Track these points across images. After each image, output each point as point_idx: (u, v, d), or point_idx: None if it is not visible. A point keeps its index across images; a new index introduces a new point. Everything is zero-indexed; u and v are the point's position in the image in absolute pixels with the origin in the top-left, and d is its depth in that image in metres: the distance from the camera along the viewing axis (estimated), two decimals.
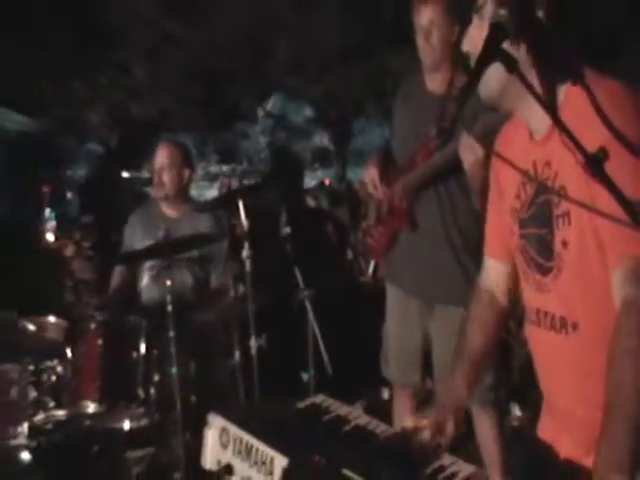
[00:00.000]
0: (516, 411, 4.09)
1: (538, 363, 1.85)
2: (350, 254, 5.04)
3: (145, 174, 9.19)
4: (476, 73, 1.52)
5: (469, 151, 2.87)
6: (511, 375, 3.21)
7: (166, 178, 3.98)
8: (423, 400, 3.44)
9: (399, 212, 3.30)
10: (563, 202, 1.62)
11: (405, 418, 1.85)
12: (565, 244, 1.64)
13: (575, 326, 1.68)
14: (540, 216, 1.71)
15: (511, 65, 1.53)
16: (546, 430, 1.87)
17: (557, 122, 1.48)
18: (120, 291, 4.05)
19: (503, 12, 1.57)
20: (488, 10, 1.64)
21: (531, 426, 1.96)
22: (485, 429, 3.24)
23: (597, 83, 1.56)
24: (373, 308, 3.81)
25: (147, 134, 11.83)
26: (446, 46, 3.11)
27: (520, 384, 1.94)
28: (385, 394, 4.37)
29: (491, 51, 1.53)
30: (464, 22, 1.70)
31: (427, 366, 3.36)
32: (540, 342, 1.81)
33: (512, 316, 1.93)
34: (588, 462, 1.66)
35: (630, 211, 1.37)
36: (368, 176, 3.39)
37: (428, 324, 3.34)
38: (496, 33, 1.54)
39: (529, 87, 1.52)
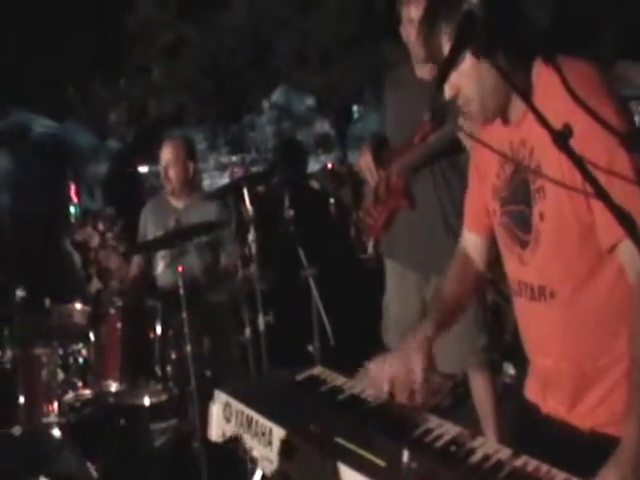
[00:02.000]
0: (509, 370, 4.09)
1: (522, 330, 1.84)
2: (353, 232, 5.01)
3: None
4: (451, 60, 1.49)
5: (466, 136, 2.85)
6: (504, 336, 3.20)
7: (172, 173, 3.99)
8: None
9: (396, 191, 3.29)
10: (538, 178, 1.60)
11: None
12: (542, 216, 1.62)
13: (552, 294, 1.66)
14: (519, 193, 1.69)
15: (483, 50, 1.49)
16: (531, 391, 1.86)
17: (528, 104, 1.45)
18: (138, 278, 4.08)
19: (474, 0, 1.52)
20: (467, 64, 1.57)
21: (522, 384, 1.94)
22: (480, 388, 3.24)
23: (567, 65, 1.52)
24: (374, 282, 3.80)
25: (163, 129, 11.83)
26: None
27: (513, 344, 1.92)
28: None
29: (464, 39, 1.48)
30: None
31: None
32: (522, 311, 1.80)
33: (504, 280, 1.91)
34: (570, 417, 1.69)
35: (594, 184, 1.33)
36: (363, 161, 3.38)
37: (425, 294, 3.32)
38: (468, 21, 1.49)
39: (502, 72, 1.49)
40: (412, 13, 3.09)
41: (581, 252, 1.59)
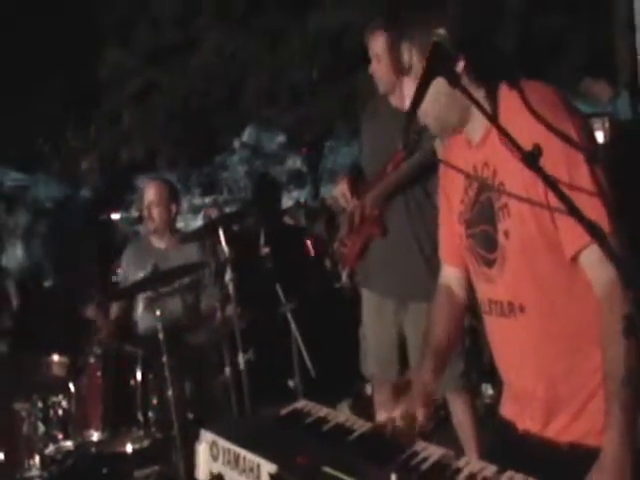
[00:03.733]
0: (488, 390, 4.11)
1: (495, 349, 1.87)
2: (328, 264, 5.06)
3: (134, 213, 9.23)
4: (421, 89, 1.54)
5: None
6: (481, 358, 3.23)
7: (155, 213, 4.03)
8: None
9: (370, 220, 3.34)
10: (503, 196, 1.65)
11: (380, 412, 1.85)
12: (507, 234, 1.66)
13: (522, 308, 1.69)
14: (483, 213, 1.73)
15: (454, 79, 1.55)
16: (507, 408, 1.88)
17: (497, 126, 1.51)
18: (121, 319, 4.08)
19: (442, 31, 1.58)
20: (417, 68, 1.66)
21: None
22: (460, 412, 3.27)
23: (529, 87, 1.61)
24: (351, 313, 3.82)
25: (135, 175, 11.86)
26: (394, 70, 3.15)
27: (490, 365, 1.95)
28: (368, 390, 4.37)
29: (434, 68, 1.55)
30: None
31: (403, 360, 3.38)
32: (494, 329, 1.83)
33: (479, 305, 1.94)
34: (547, 433, 1.71)
35: (564, 199, 1.39)
36: (339, 191, 3.44)
37: (402, 321, 3.35)
38: (437, 51, 1.55)
39: (471, 98, 1.54)
40: (375, 48, 3.22)
41: (548, 267, 1.63)
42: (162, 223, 4.04)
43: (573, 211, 1.36)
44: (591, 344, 1.60)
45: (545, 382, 1.71)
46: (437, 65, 1.55)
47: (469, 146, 1.76)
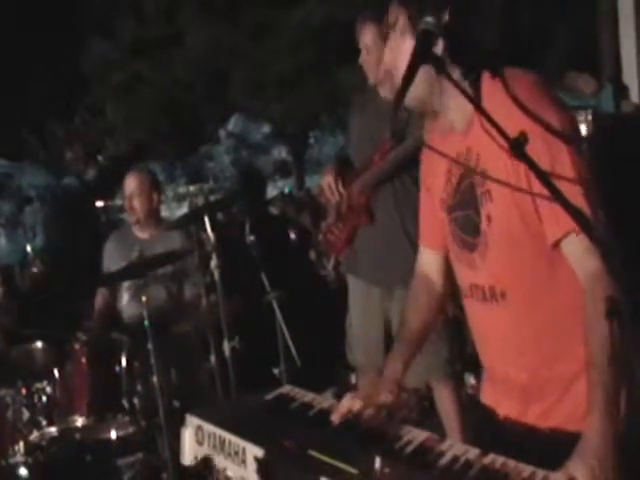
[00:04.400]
0: (471, 380, 4.14)
1: (475, 334, 1.88)
2: (313, 254, 5.07)
3: (119, 202, 9.21)
4: (408, 77, 1.54)
5: None
6: (465, 348, 3.24)
7: (137, 204, 4.00)
8: None
9: (358, 208, 3.36)
10: (485, 182, 1.65)
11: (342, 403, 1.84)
12: (489, 219, 1.67)
13: (503, 294, 1.70)
14: (466, 198, 1.73)
15: (440, 66, 1.56)
16: (487, 395, 1.89)
17: (482, 112, 1.51)
18: (103, 312, 4.06)
19: (429, 19, 1.59)
20: (401, 24, 1.68)
21: None
22: (445, 400, 3.29)
23: (512, 75, 1.61)
24: (336, 302, 3.84)
25: (121, 166, 11.82)
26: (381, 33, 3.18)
27: (474, 355, 1.96)
28: (353, 379, 4.38)
29: (421, 56, 1.56)
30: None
31: (389, 348, 3.38)
32: (475, 314, 1.84)
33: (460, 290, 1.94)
34: (526, 418, 1.72)
35: (550, 186, 1.40)
36: (324, 182, 3.46)
37: (389, 309, 3.37)
38: (424, 39, 1.57)
39: (456, 84, 1.55)
40: (365, 39, 3.24)
41: (528, 253, 1.64)
42: (144, 213, 4.03)
43: (559, 198, 1.37)
44: (572, 333, 1.61)
45: (525, 368, 1.72)
46: (424, 53, 1.57)
47: (452, 132, 1.76)
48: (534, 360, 1.71)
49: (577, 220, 1.37)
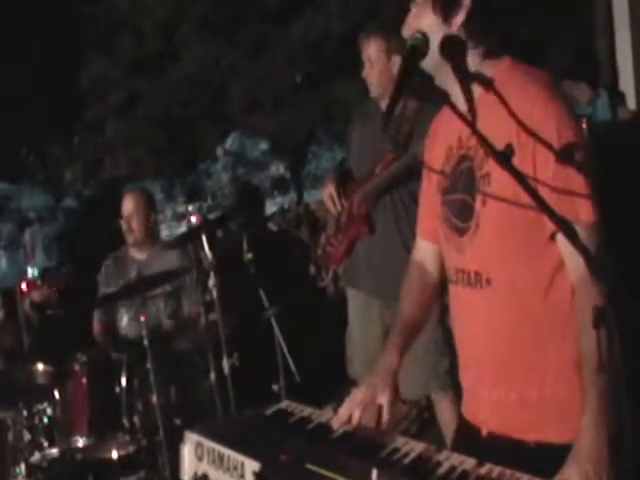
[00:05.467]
0: None
1: (455, 319, 1.87)
2: (312, 269, 5.09)
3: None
4: (399, 88, 1.57)
5: None
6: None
7: (134, 224, 4.02)
8: None
9: (357, 219, 3.38)
10: (485, 165, 1.66)
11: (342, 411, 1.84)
12: (484, 202, 1.67)
13: (489, 281, 1.70)
14: (463, 181, 1.74)
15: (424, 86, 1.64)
16: (469, 409, 1.87)
17: (472, 127, 1.53)
18: (101, 335, 4.07)
19: (418, 35, 1.64)
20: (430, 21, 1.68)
21: None
22: (445, 411, 3.28)
23: (520, 69, 1.66)
24: (336, 317, 3.84)
25: (119, 185, 11.85)
26: (387, 74, 3.21)
27: None
28: None
29: (410, 70, 1.60)
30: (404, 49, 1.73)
31: None
32: (458, 299, 1.83)
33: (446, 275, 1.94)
34: (517, 434, 1.69)
35: (535, 197, 1.41)
36: (326, 192, 3.48)
37: (387, 322, 3.36)
38: (413, 55, 1.62)
39: (449, 102, 1.59)
40: (368, 53, 3.29)
41: (520, 241, 1.63)
42: (142, 234, 4.04)
43: (543, 207, 1.38)
44: (550, 329, 1.61)
45: (500, 355, 1.71)
46: (413, 67, 1.60)
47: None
48: (510, 349, 1.69)
49: (566, 233, 1.38)
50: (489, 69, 1.69)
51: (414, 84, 1.65)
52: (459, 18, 1.66)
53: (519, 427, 1.69)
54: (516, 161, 1.46)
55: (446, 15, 1.65)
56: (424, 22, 1.67)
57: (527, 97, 1.60)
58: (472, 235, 1.70)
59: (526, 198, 1.53)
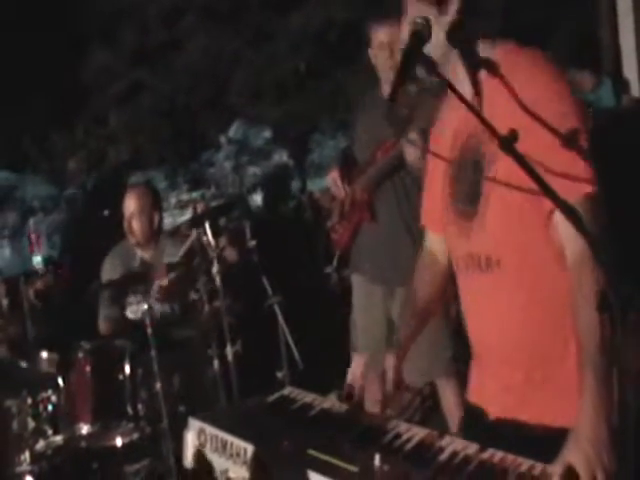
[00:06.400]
0: None
1: (467, 309, 1.87)
2: (316, 256, 5.08)
3: None
4: (401, 73, 1.57)
5: (410, 146, 2.96)
6: (469, 349, 3.25)
7: (136, 225, 3.85)
8: None
9: (360, 205, 3.39)
10: (491, 150, 1.64)
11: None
12: (491, 186, 1.66)
13: (498, 262, 1.69)
14: (469, 167, 1.73)
15: (430, 68, 1.63)
16: (475, 392, 1.89)
17: (477, 115, 1.53)
18: (109, 332, 3.97)
19: (419, 19, 1.63)
20: None
21: None
22: (449, 398, 3.29)
23: (524, 53, 1.66)
24: (340, 303, 3.84)
25: (123, 174, 11.86)
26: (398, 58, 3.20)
27: None
28: None
29: (412, 55, 1.59)
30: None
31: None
32: (468, 285, 1.82)
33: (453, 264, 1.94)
34: (523, 416, 1.68)
35: (540, 182, 1.40)
36: (331, 179, 3.49)
37: (390, 307, 3.37)
38: (415, 40, 1.61)
39: (451, 86, 1.58)
40: (378, 37, 3.26)
41: (528, 220, 1.63)
42: (144, 236, 3.87)
43: (545, 189, 1.38)
44: (561, 317, 1.59)
45: (511, 339, 1.71)
46: (415, 53, 1.59)
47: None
48: (520, 330, 1.69)
49: (570, 218, 1.37)
50: (493, 53, 1.68)
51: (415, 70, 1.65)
52: (453, 6, 1.66)
53: (524, 409, 1.68)
54: (520, 145, 1.44)
55: (439, 4, 1.65)
56: (422, 14, 1.66)
57: (532, 82, 1.59)
58: (481, 218, 1.70)
59: (531, 181, 1.52)
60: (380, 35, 3.27)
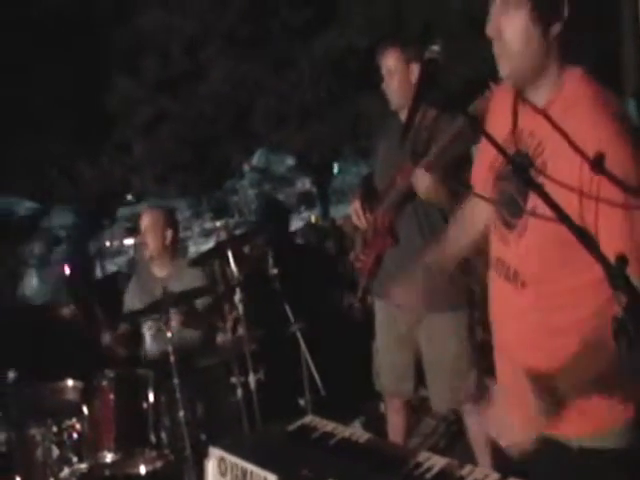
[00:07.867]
0: None
1: (493, 310, 1.88)
2: (339, 284, 5.07)
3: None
4: (417, 100, 1.60)
5: (420, 180, 2.98)
6: (493, 373, 3.22)
7: (149, 240, 3.99)
8: (416, 407, 3.41)
9: (382, 231, 3.38)
10: (539, 158, 1.64)
11: None
12: (535, 208, 1.63)
13: (524, 285, 1.71)
14: (516, 177, 1.69)
15: (446, 104, 1.62)
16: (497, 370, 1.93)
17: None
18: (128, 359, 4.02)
19: (435, 47, 1.62)
20: (522, 20, 1.65)
21: None
22: (473, 425, 3.25)
23: (602, 91, 1.65)
24: (363, 331, 3.82)
25: (145, 202, 11.98)
26: (407, 84, 3.21)
27: None
28: (382, 408, 4.35)
29: (428, 82, 1.60)
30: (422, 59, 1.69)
31: (418, 375, 3.37)
32: (496, 288, 1.85)
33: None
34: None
35: (557, 210, 1.39)
36: (352, 208, 3.49)
37: (416, 334, 3.35)
38: (430, 68, 1.60)
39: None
40: (388, 64, 3.27)
41: (561, 257, 1.61)
42: (157, 250, 3.99)
43: (564, 219, 1.37)
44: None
45: (524, 356, 1.72)
46: (430, 81, 1.60)
47: (524, 104, 1.74)
48: (535, 352, 1.71)
49: (590, 247, 1.33)
50: (564, 77, 1.68)
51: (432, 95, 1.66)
52: (556, 28, 1.65)
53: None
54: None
55: (546, 26, 1.64)
56: (515, 26, 1.65)
57: (594, 122, 1.57)
58: (519, 234, 1.70)
59: (584, 210, 1.55)
60: (385, 61, 3.29)
